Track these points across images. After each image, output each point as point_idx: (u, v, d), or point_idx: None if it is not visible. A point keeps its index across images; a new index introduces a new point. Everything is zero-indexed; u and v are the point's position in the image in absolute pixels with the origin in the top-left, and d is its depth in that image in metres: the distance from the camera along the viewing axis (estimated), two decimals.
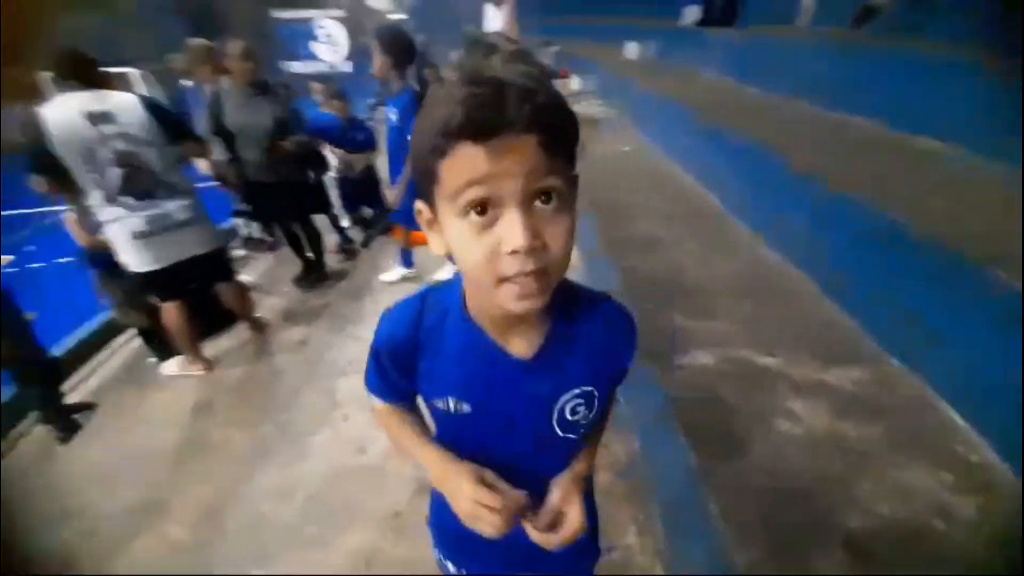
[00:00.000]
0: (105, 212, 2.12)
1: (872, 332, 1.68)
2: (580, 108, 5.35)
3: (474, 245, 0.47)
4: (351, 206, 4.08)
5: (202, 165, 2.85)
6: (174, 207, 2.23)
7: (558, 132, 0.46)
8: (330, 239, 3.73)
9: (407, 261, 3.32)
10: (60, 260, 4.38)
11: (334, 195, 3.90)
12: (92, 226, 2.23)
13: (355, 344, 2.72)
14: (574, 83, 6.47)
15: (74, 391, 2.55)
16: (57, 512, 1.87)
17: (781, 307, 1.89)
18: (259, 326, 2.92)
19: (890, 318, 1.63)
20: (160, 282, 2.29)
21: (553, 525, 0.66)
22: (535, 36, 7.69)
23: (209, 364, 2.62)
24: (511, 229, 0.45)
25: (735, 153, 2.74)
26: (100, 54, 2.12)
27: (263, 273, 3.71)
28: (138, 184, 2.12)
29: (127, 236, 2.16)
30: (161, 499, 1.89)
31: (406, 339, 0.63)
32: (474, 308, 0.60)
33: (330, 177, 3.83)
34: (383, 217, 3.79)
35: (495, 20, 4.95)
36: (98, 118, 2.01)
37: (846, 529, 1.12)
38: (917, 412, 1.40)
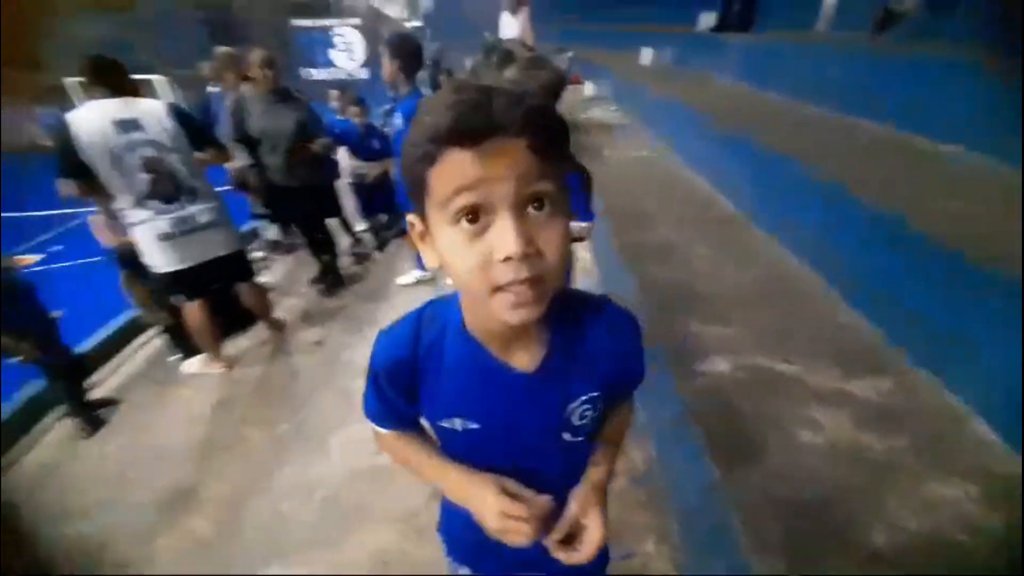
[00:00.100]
0: (132, 215, 2.18)
1: (895, 340, 1.65)
2: (593, 114, 5.35)
3: (466, 253, 0.46)
4: (367, 211, 4.14)
5: (234, 165, 2.93)
6: (198, 210, 2.29)
7: (548, 136, 0.45)
8: (343, 242, 3.79)
9: (422, 264, 3.35)
10: (85, 260, 4.52)
11: (350, 200, 3.96)
12: (118, 228, 2.30)
13: (371, 346, 2.75)
14: (587, 89, 6.48)
15: (98, 387, 2.61)
16: (78, 507, 1.92)
17: (800, 313, 1.87)
18: (277, 326, 2.97)
19: (914, 326, 1.60)
20: (184, 282, 2.35)
21: (572, 537, 0.65)
22: (550, 43, 7.73)
23: (229, 363, 2.68)
24: (503, 235, 0.44)
25: (751, 158, 2.72)
26: (126, 61, 2.19)
27: (281, 275, 3.78)
28: (164, 189, 2.19)
29: (152, 238, 2.22)
30: (182, 494, 1.93)
31: (405, 359, 0.61)
32: (472, 323, 0.59)
33: (345, 183, 3.89)
34: (398, 221, 3.84)
35: (511, 27, 4.98)
36: (126, 125, 2.07)
37: (868, 541, 1.09)
38: (942, 422, 1.37)
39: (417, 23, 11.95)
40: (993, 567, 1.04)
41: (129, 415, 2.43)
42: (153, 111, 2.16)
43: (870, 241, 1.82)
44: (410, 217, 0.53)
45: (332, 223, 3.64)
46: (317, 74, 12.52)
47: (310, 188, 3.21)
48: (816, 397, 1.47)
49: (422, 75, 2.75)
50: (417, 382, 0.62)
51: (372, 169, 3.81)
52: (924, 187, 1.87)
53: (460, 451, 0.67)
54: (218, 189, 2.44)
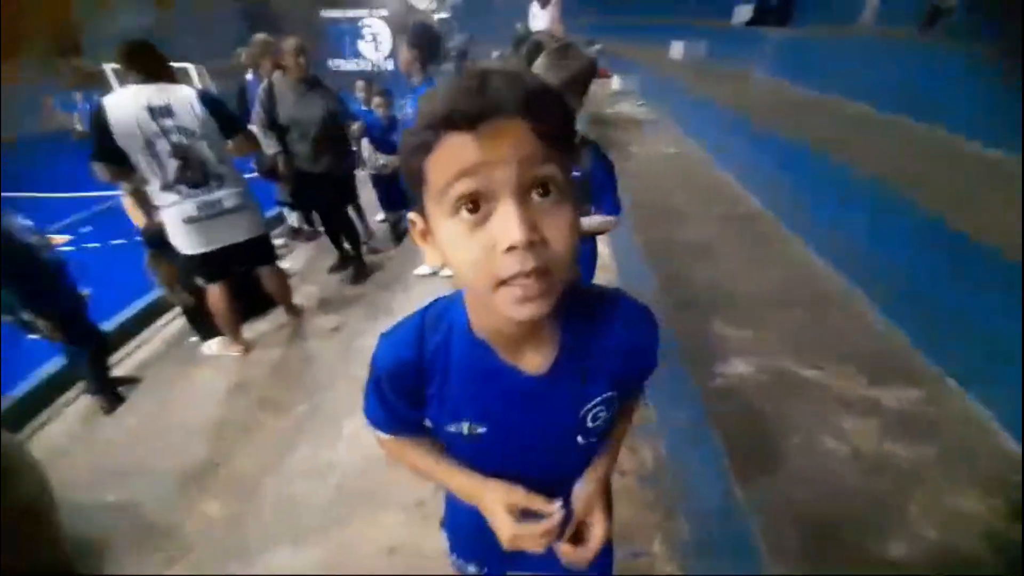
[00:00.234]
0: (161, 198, 2.24)
1: (926, 349, 1.57)
2: (621, 108, 5.25)
3: (467, 245, 0.43)
4: (387, 204, 4.16)
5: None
6: (224, 195, 2.33)
7: (550, 117, 0.42)
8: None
9: None
10: (114, 242, 4.68)
11: (371, 192, 3.99)
12: (148, 209, 2.36)
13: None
14: (615, 83, 6.37)
15: (120, 365, 2.70)
16: (96, 480, 1.98)
17: (828, 317, 1.79)
18: (295, 311, 3.01)
19: (947, 335, 1.51)
20: (208, 264, 2.41)
21: (577, 535, 0.64)
22: (580, 35, 7.63)
23: (247, 346, 2.73)
24: (506, 223, 0.41)
25: (784, 155, 2.62)
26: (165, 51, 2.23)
27: (301, 262, 3.84)
28: (192, 174, 2.24)
29: (179, 220, 2.27)
30: (198, 473, 1.97)
31: (410, 361, 0.58)
32: (479, 323, 0.56)
33: (366, 174, 3.92)
34: None
35: (540, 19, 4.92)
36: (159, 112, 2.12)
37: (886, 550, 1.05)
38: (969, 435, 1.30)
39: (445, 14, 11.92)
40: None
41: (149, 393, 2.50)
42: (185, 97, 2.19)
43: (918, 246, 1.72)
44: (411, 215, 0.50)
45: (352, 215, 3.67)
46: (345, 64, 12.68)
47: (333, 177, 3.25)
48: (842, 403, 1.41)
49: (448, 66, 2.74)
50: (422, 385, 0.59)
51: (393, 161, 3.83)
52: (980, 193, 1.76)
53: (468, 456, 0.64)
54: (246, 176, 2.48)
